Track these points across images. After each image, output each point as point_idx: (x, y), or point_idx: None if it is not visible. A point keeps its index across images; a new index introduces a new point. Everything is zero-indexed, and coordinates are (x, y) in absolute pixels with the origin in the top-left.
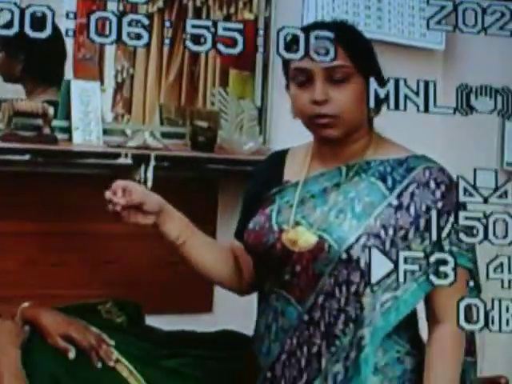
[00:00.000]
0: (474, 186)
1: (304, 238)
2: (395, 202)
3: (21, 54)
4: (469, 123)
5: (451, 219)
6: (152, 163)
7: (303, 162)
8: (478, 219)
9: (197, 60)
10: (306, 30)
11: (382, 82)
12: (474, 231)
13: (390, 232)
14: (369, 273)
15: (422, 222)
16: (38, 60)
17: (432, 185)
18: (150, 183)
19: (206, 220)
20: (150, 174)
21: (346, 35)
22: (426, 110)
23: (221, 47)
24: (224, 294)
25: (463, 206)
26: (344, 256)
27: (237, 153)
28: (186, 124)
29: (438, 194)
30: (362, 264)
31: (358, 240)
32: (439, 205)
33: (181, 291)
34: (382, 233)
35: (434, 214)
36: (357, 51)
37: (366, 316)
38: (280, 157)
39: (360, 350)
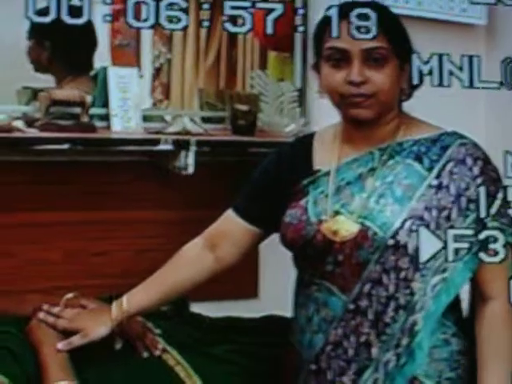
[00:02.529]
0: None
1: (345, 227)
2: (435, 182)
3: (47, 42)
4: None
5: (492, 195)
6: (193, 148)
7: (332, 148)
8: None
9: (235, 43)
10: (342, 8)
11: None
12: None
13: (434, 213)
14: (417, 254)
15: (464, 201)
16: (65, 48)
17: (469, 161)
18: (190, 169)
19: None
20: (190, 160)
21: (383, 16)
22: (471, 85)
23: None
24: (270, 279)
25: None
26: (391, 242)
27: (278, 135)
28: (225, 108)
29: (476, 170)
30: (410, 249)
31: (403, 224)
32: (478, 181)
33: (226, 277)
34: (426, 215)
35: (478, 190)
36: (394, 32)
37: (417, 301)
38: (307, 142)
39: (413, 336)
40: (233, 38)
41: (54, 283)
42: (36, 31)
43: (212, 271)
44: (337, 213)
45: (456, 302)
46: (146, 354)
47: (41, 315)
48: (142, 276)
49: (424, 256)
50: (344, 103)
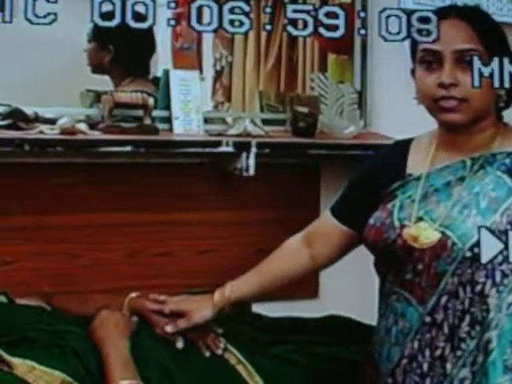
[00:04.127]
0: None
1: (425, 234)
2: None
3: (111, 45)
4: None
5: None
6: (253, 150)
7: (427, 153)
8: None
9: (295, 45)
10: (437, 12)
11: None
12: None
13: None
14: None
15: None
16: (127, 51)
17: None
18: (251, 171)
19: (308, 205)
20: (251, 162)
21: (478, 19)
22: None
23: (322, 31)
24: (329, 279)
25: None
26: (468, 254)
27: (338, 137)
28: (286, 110)
29: None
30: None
31: None
32: None
33: None
34: (509, 229)
35: None
36: (489, 35)
37: (492, 318)
38: (403, 147)
39: (487, 354)
40: (293, 40)
41: (115, 284)
42: (99, 34)
43: (307, 268)
44: (420, 219)
45: None
46: (207, 353)
47: (148, 304)
48: (203, 277)
49: (485, 258)
50: (436, 107)
